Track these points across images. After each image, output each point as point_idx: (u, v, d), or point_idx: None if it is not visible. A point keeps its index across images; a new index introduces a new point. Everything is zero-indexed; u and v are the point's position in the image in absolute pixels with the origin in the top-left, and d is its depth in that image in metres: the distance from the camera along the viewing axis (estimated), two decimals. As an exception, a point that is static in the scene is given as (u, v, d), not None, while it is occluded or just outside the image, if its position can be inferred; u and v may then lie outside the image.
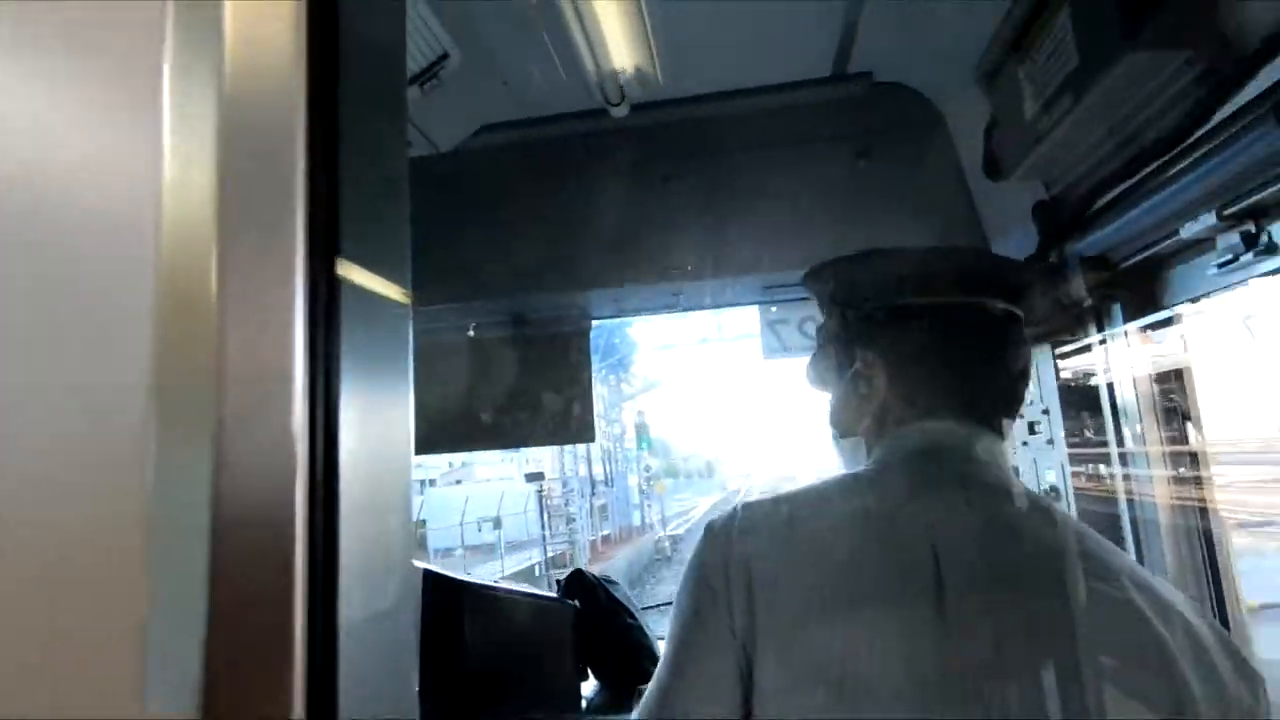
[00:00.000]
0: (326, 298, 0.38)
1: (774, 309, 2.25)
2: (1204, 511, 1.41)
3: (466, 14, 1.50)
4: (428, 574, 1.86)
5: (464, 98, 1.77)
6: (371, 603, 0.40)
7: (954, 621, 0.69)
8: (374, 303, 0.44)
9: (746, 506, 0.81)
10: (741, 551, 0.77)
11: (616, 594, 1.87)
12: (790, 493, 0.83)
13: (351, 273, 0.40)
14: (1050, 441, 1.59)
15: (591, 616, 1.80)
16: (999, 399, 0.86)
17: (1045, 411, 1.61)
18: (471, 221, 2.08)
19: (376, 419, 0.42)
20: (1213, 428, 1.43)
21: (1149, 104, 1.14)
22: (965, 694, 0.67)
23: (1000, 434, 0.85)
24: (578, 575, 1.91)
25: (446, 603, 1.77)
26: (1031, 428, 1.68)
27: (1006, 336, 0.86)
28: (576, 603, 1.83)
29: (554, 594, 1.87)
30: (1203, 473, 1.42)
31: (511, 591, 1.79)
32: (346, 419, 0.38)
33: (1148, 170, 1.21)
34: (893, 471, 0.83)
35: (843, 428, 0.92)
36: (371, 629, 0.40)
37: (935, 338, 0.85)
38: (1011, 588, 0.72)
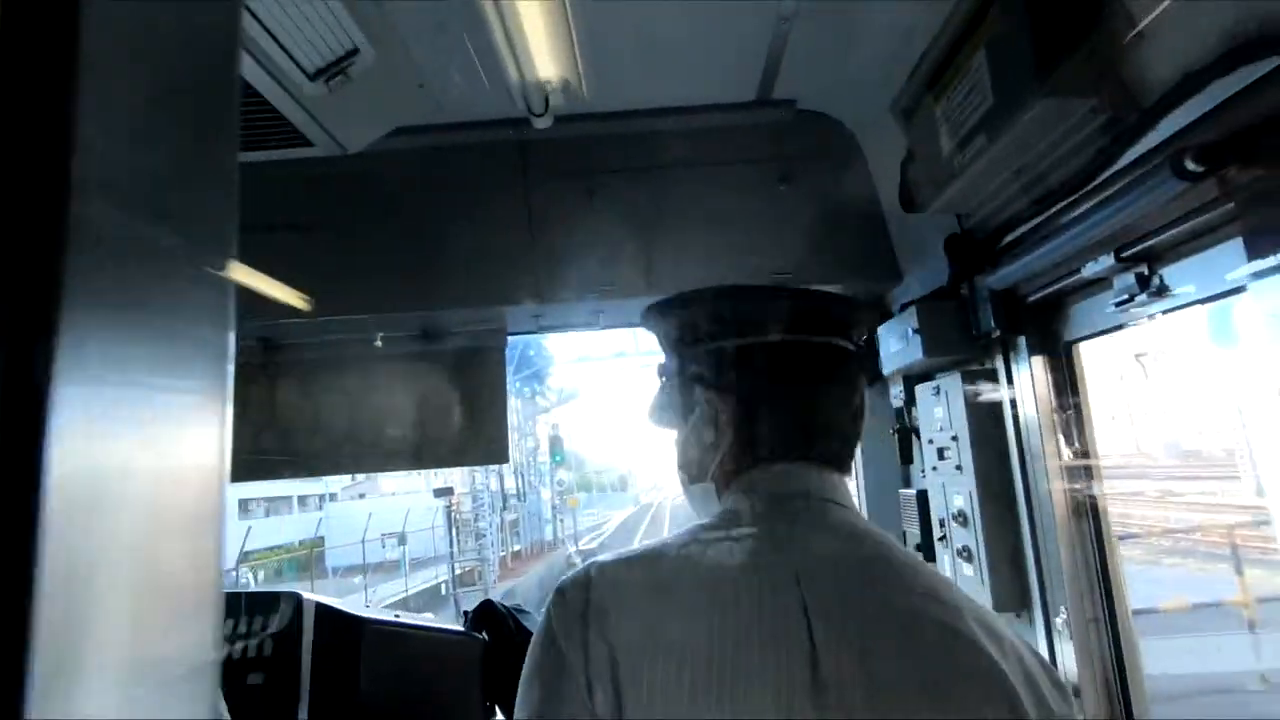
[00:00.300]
0: None
1: (694, 329, 2.24)
2: (1098, 526, 1.49)
3: (381, 11, 1.40)
4: (320, 609, 1.71)
5: (377, 97, 1.67)
6: None
7: (830, 683, 0.66)
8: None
9: (601, 570, 0.75)
10: (600, 621, 0.71)
11: (528, 624, 1.78)
12: (646, 550, 0.78)
13: None
14: (959, 467, 1.64)
15: (501, 649, 1.70)
16: (842, 437, 0.85)
17: (954, 438, 1.66)
18: (380, 229, 1.96)
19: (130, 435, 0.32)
20: (1107, 449, 1.51)
21: (1057, 148, 1.19)
22: None
23: (846, 472, 0.85)
24: (487, 606, 1.81)
25: (341, 641, 1.64)
26: (941, 453, 1.73)
27: (846, 375, 0.86)
28: (485, 635, 1.73)
29: (461, 626, 1.77)
30: (1096, 490, 1.50)
31: (415, 626, 1.68)
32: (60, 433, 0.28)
33: (1053, 210, 1.27)
34: (748, 520, 0.79)
35: (690, 472, 0.88)
36: None
37: (776, 377, 0.84)
38: (881, 638, 0.70)
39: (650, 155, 1.96)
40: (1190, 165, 0.92)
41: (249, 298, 1.93)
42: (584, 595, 0.73)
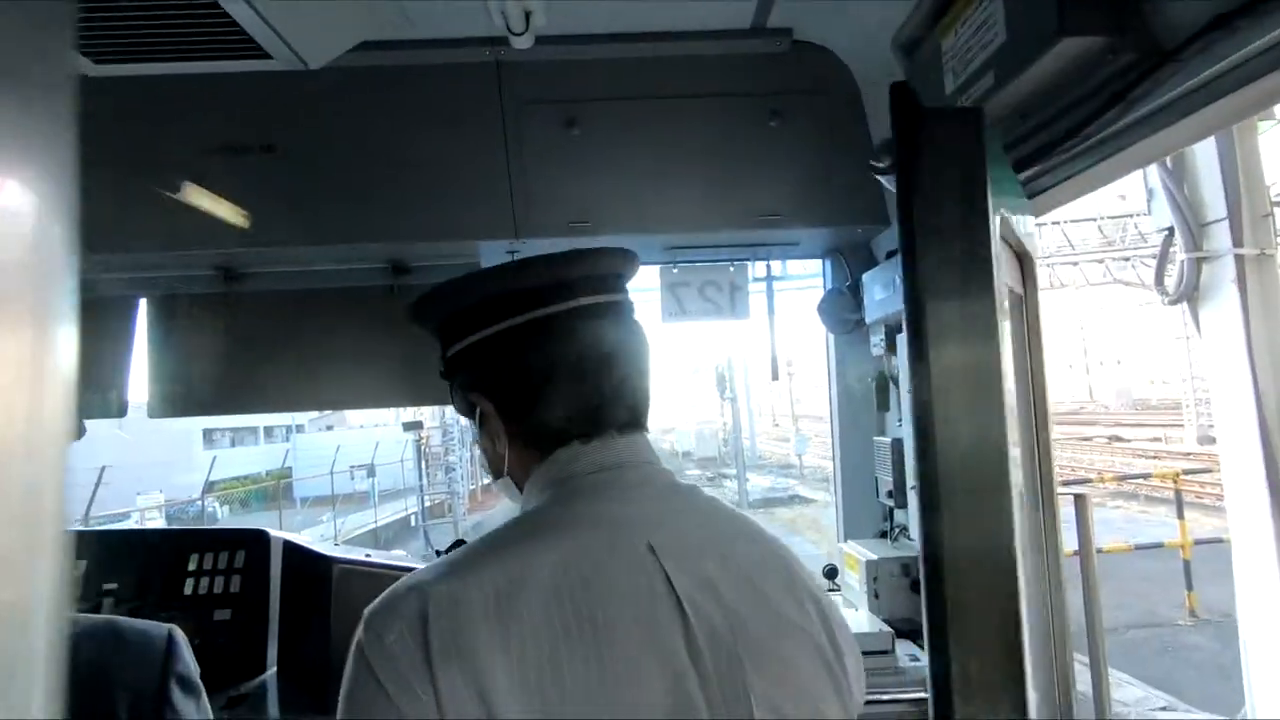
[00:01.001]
0: None
1: (676, 270, 2.18)
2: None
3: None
4: (288, 547, 1.68)
5: (341, 6, 1.53)
6: None
7: (699, 633, 0.65)
8: None
9: (429, 594, 0.62)
10: (447, 647, 0.60)
11: (501, 564, 1.78)
12: (473, 559, 0.66)
13: None
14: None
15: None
16: (635, 396, 0.79)
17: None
18: (346, 154, 1.84)
19: None
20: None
21: (1068, 91, 1.13)
22: None
23: (646, 430, 0.81)
24: (460, 545, 1.80)
25: (310, 580, 1.61)
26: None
27: (622, 332, 0.79)
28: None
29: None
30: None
31: (387, 566, 1.66)
32: None
33: (1057, 159, 1.22)
34: (566, 506, 0.72)
35: (494, 468, 0.81)
36: None
37: (543, 359, 0.76)
38: (751, 601, 0.70)
39: (636, 83, 1.85)
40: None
41: (206, 224, 1.82)
42: (417, 621, 0.61)
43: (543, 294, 0.76)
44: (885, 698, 1.65)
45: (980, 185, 0.86)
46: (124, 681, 0.77)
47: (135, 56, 1.53)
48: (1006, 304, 0.95)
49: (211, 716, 0.84)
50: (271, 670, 1.71)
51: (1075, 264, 20.86)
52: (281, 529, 1.91)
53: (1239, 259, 3.52)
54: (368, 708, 0.60)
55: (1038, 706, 0.95)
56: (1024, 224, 1.21)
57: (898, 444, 1.90)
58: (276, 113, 1.81)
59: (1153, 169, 3.76)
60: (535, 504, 0.75)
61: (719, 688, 0.65)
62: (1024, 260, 1.26)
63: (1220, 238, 3.69)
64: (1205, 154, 3.65)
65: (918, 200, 0.87)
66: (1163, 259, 4.22)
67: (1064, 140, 1.19)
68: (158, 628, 0.82)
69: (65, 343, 0.30)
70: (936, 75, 1.38)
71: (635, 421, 0.79)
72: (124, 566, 1.78)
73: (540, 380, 0.76)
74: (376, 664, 0.61)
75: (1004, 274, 0.99)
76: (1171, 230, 3.80)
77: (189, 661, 0.83)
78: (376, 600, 0.65)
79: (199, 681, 0.83)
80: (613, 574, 0.66)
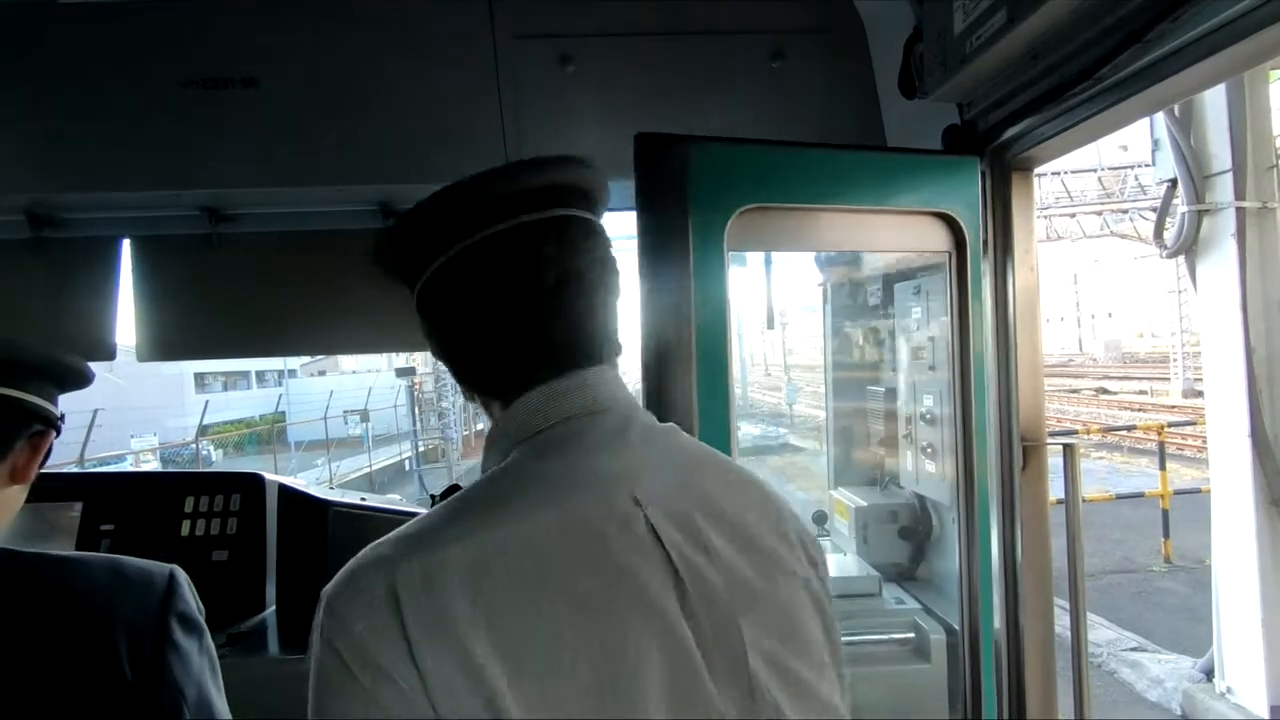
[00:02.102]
0: None
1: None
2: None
3: None
4: (284, 490, 1.69)
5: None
6: None
7: (690, 590, 0.62)
8: None
9: (396, 574, 0.56)
10: (428, 628, 0.54)
11: (496, 508, 1.80)
12: (439, 528, 0.60)
13: None
14: (932, 368, 1.64)
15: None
16: (600, 329, 0.70)
17: (931, 338, 1.65)
18: (333, 91, 1.77)
19: None
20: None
21: (1084, 30, 1.09)
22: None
23: (614, 365, 0.73)
24: (454, 490, 1.81)
25: (306, 522, 1.63)
26: (915, 353, 1.72)
27: (577, 253, 0.69)
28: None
29: (428, 509, 1.77)
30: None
31: (381, 509, 1.67)
32: None
33: (1068, 104, 1.18)
34: (553, 452, 0.66)
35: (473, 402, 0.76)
36: None
37: (489, 278, 0.67)
38: (742, 548, 0.67)
39: (633, 19, 1.77)
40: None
41: (187, 161, 1.76)
42: (394, 616, 0.55)
43: (488, 211, 0.67)
44: (873, 638, 1.71)
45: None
46: (124, 618, 0.77)
47: (106, -19, 1.45)
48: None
49: (215, 656, 0.84)
50: (270, 609, 1.74)
51: (1073, 215, 20.71)
52: (276, 473, 1.92)
53: (1240, 212, 3.50)
54: (343, 703, 0.55)
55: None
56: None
57: (891, 393, 1.91)
58: (257, 45, 1.73)
59: (1160, 118, 3.70)
60: (500, 460, 0.67)
61: (714, 644, 0.62)
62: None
63: (1223, 190, 3.66)
64: (1214, 105, 3.59)
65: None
66: (1163, 211, 4.19)
67: (1076, 82, 1.15)
68: (160, 567, 0.82)
69: None
70: (946, 13, 1.33)
71: (601, 355, 0.70)
72: (121, 508, 1.79)
73: (489, 313, 0.67)
74: (347, 654, 0.55)
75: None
76: (1174, 182, 3.77)
77: (190, 601, 0.83)
78: (334, 581, 0.58)
79: (201, 621, 0.83)
80: (594, 537, 0.60)
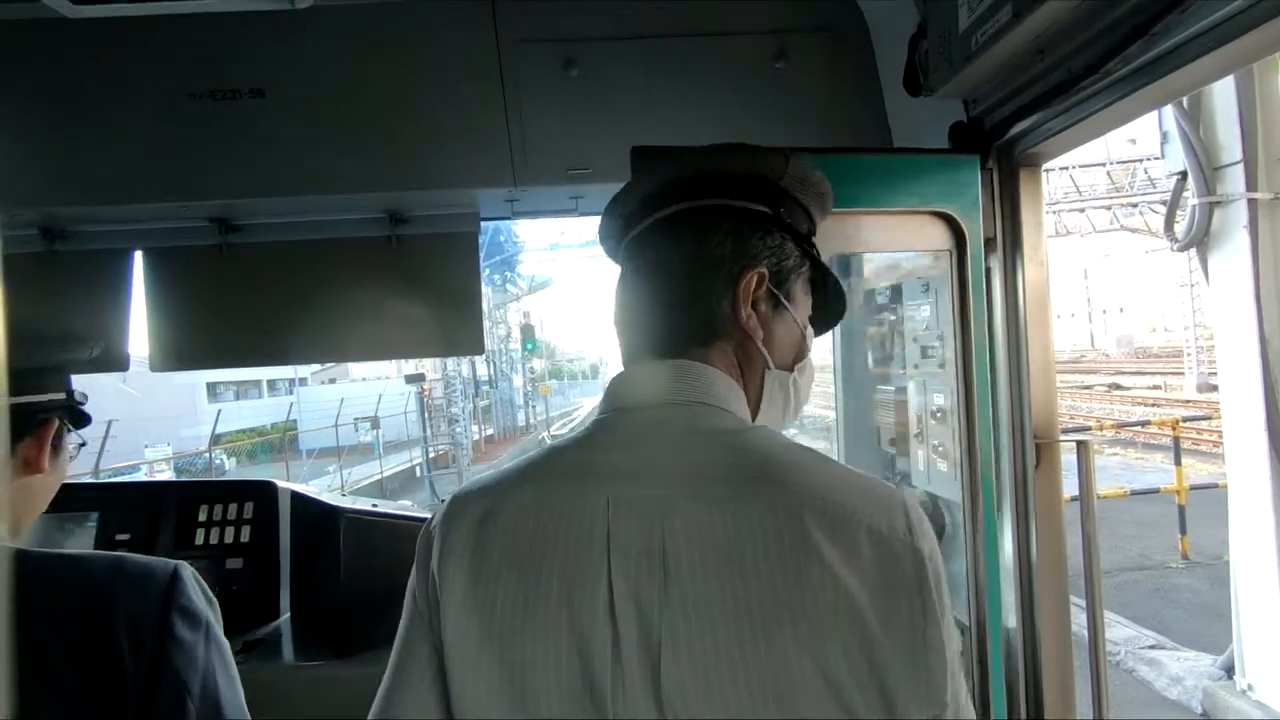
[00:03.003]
0: None
1: (676, 218, 2.14)
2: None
3: None
4: (296, 498, 1.70)
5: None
6: None
7: (625, 635, 0.60)
8: None
9: (455, 499, 0.70)
10: (438, 563, 0.67)
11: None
12: (492, 480, 0.71)
13: None
14: (942, 365, 1.63)
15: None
16: (680, 316, 0.72)
17: (940, 336, 1.64)
18: (340, 99, 1.78)
19: None
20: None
21: (1089, 25, 1.08)
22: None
23: (695, 354, 0.71)
24: (466, 495, 1.82)
25: (319, 529, 1.64)
26: (924, 351, 1.71)
27: (681, 241, 0.74)
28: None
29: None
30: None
31: (393, 515, 1.68)
32: None
33: (1076, 98, 1.18)
34: (582, 439, 0.71)
35: None
36: None
37: (633, 269, 0.77)
38: (715, 573, 0.59)
39: (636, 22, 1.78)
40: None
41: (196, 172, 1.78)
42: (428, 536, 0.70)
43: (643, 203, 0.76)
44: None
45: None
46: (124, 612, 0.78)
47: (115, -4, 1.47)
48: None
49: (224, 649, 0.84)
50: (285, 616, 1.75)
51: (1082, 210, 20.57)
52: (289, 480, 1.93)
53: (1252, 203, 3.47)
54: (413, 575, 0.71)
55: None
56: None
57: (901, 391, 1.90)
58: (264, 56, 1.75)
59: (1168, 111, 3.67)
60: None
61: (628, 665, 0.59)
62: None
63: (1234, 182, 3.62)
64: (1223, 96, 3.56)
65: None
66: (1173, 204, 4.15)
67: (1083, 76, 1.15)
68: (164, 563, 0.83)
69: None
70: (950, 9, 1.32)
71: (674, 350, 0.71)
72: (136, 518, 1.80)
73: (626, 294, 0.77)
74: (418, 546, 0.70)
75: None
76: (1184, 175, 3.73)
77: (193, 596, 0.83)
78: None
79: (208, 615, 0.83)
80: (560, 524, 0.63)
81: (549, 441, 0.77)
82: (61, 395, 0.88)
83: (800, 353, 0.80)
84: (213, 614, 0.84)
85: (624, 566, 0.60)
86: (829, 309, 0.85)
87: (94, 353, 0.91)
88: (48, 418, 0.86)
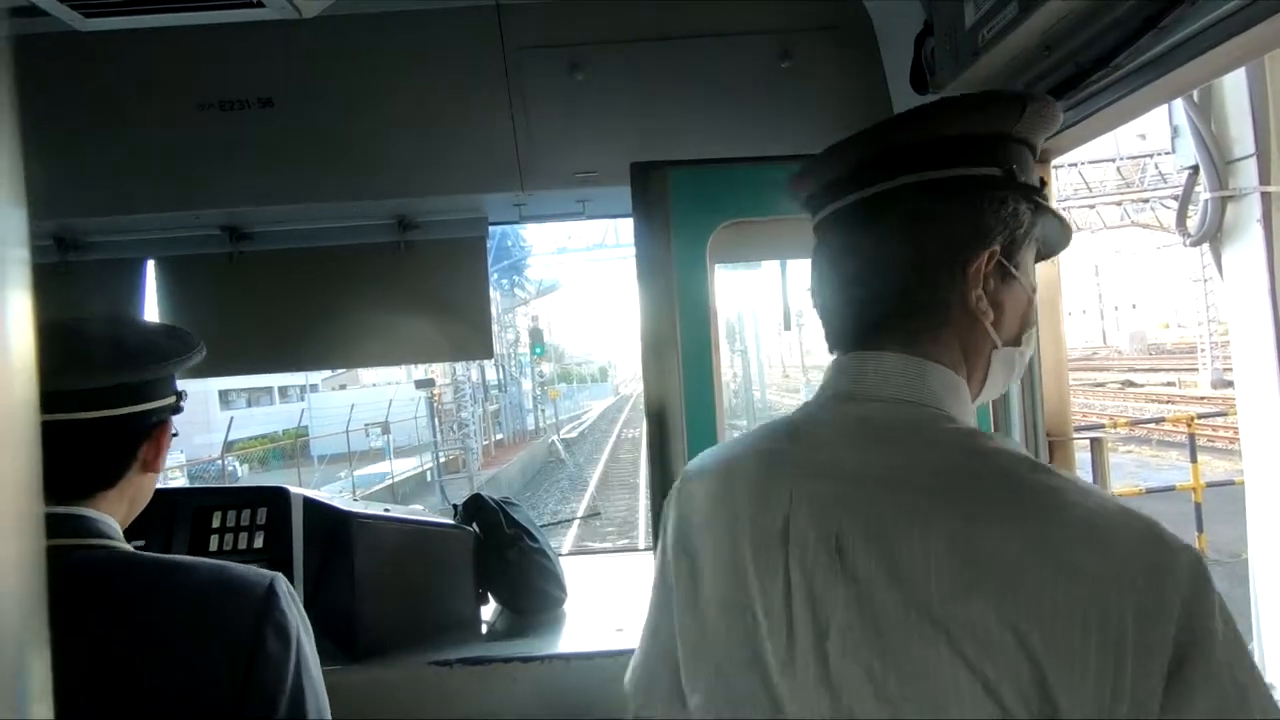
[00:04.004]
0: None
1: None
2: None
3: None
4: (309, 503, 1.71)
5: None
6: None
7: (800, 622, 0.61)
8: None
9: (684, 475, 0.79)
10: (673, 514, 0.76)
11: (517, 516, 1.80)
12: (725, 455, 0.76)
13: None
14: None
15: (491, 540, 1.73)
16: (864, 309, 0.69)
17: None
18: (349, 108, 1.79)
19: None
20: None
21: (1097, 19, 1.08)
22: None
23: (913, 347, 0.67)
24: (477, 499, 1.82)
25: (332, 535, 1.64)
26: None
27: (897, 219, 0.67)
28: (475, 527, 1.74)
29: (451, 519, 1.78)
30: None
31: (406, 520, 1.68)
32: None
33: (1083, 94, 1.17)
34: (795, 428, 0.72)
35: None
36: None
37: (826, 250, 0.73)
38: (883, 575, 0.57)
39: (640, 24, 1.78)
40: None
41: (206, 182, 1.80)
42: (669, 503, 0.78)
43: (827, 188, 0.73)
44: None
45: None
46: (223, 625, 0.79)
47: (124, 9, 1.49)
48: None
49: (314, 665, 0.85)
50: (298, 621, 1.76)
51: (1092, 206, 20.43)
52: (300, 486, 1.94)
53: (1265, 197, 3.43)
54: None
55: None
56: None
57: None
58: (272, 66, 1.77)
59: (1179, 104, 3.63)
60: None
61: (800, 652, 0.60)
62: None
63: (1246, 175, 3.57)
64: (1234, 88, 3.52)
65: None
66: (1185, 199, 4.10)
67: (1091, 71, 1.14)
68: (261, 575, 0.84)
69: (17, 315, 0.29)
70: (956, 6, 1.32)
71: (871, 340, 0.68)
72: (151, 525, 1.81)
73: (825, 277, 0.74)
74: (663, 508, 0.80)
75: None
76: (1195, 169, 3.69)
77: (286, 610, 0.83)
78: None
79: (298, 630, 0.84)
80: (744, 512, 0.67)
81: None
82: (173, 399, 0.92)
83: (1027, 321, 0.72)
84: (303, 626, 0.85)
85: (803, 561, 0.61)
86: (1054, 246, 0.79)
87: (201, 357, 0.96)
88: (163, 420, 0.91)
